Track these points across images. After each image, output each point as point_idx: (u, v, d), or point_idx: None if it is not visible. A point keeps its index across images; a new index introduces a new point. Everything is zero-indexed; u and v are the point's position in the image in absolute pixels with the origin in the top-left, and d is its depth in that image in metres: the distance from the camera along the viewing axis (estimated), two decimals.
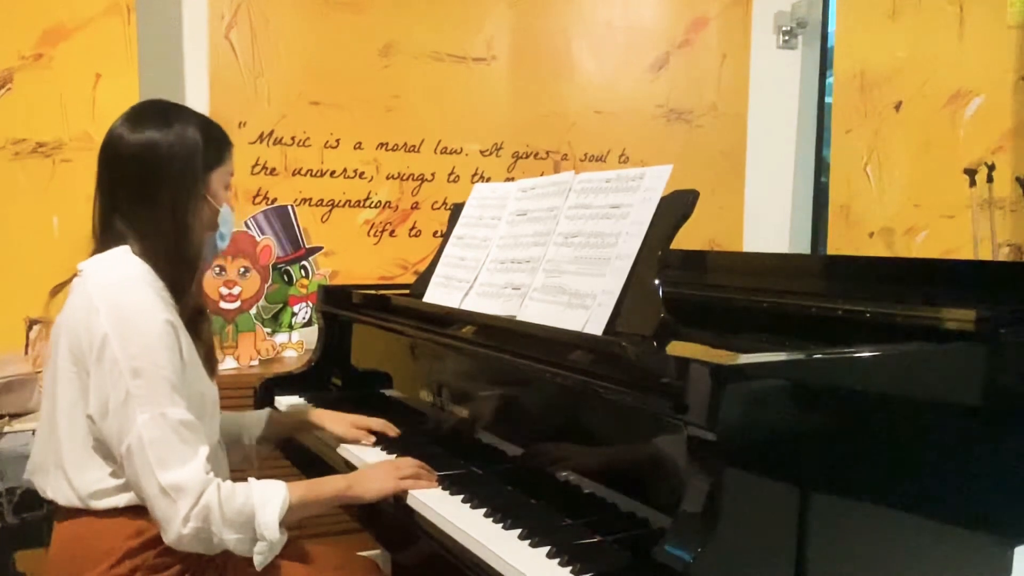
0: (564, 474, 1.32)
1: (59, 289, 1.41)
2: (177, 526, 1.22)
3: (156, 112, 1.39)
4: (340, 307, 2.12)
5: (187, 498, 1.22)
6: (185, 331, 1.33)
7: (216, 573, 1.34)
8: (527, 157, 3.27)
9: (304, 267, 2.91)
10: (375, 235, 3.07)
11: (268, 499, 1.29)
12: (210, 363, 1.43)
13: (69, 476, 1.30)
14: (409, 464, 1.44)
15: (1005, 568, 1.28)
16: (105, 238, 1.36)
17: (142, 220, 1.34)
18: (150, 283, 1.30)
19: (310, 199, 2.97)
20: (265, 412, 1.75)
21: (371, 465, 1.51)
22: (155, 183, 1.33)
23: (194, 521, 1.22)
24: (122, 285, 1.28)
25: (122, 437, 1.23)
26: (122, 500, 1.29)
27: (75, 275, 1.35)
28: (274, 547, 1.29)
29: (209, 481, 1.25)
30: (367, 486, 1.41)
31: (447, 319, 1.66)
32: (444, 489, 1.40)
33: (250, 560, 1.39)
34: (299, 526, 1.34)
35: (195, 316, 1.39)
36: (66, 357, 1.30)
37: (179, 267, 1.35)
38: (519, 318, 1.48)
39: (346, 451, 1.67)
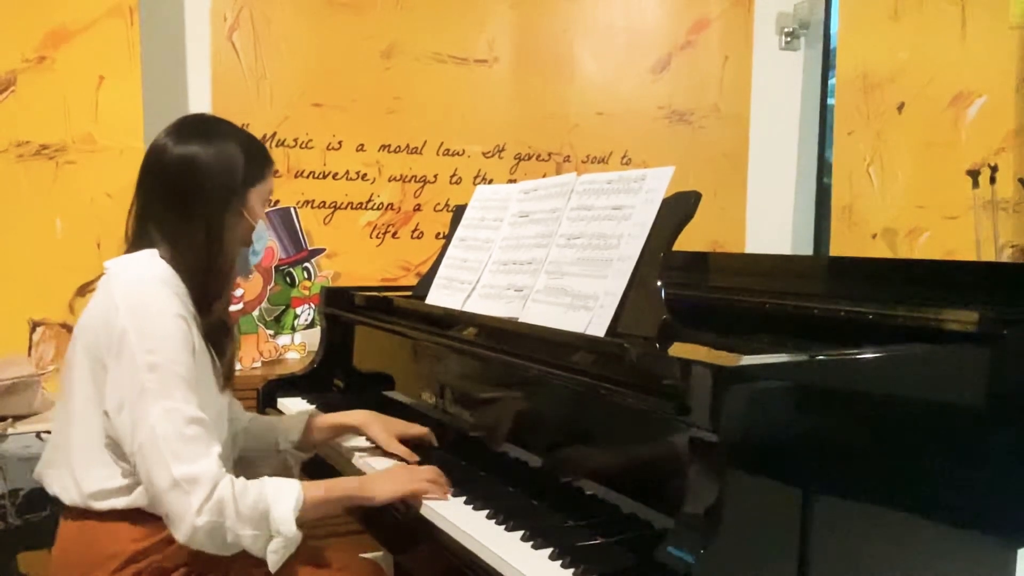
0: (567, 476, 1.32)
1: (87, 288, 1.42)
2: (190, 520, 1.20)
3: (201, 127, 1.41)
4: (342, 309, 2.12)
5: (200, 490, 1.21)
6: (199, 334, 1.34)
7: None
8: (529, 159, 3.27)
9: (307, 269, 2.91)
10: (377, 237, 3.07)
11: (282, 495, 1.29)
12: (227, 377, 1.43)
13: (76, 475, 1.31)
14: (425, 472, 1.42)
15: (1008, 570, 1.28)
16: (137, 241, 1.38)
17: (175, 229, 1.35)
18: (170, 284, 1.31)
19: (312, 201, 2.97)
20: (304, 415, 1.72)
21: (386, 468, 1.50)
22: (192, 196, 1.35)
23: (207, 515, 1.21)
24: (143, 283, 1.30)
25: (135, 431, 1.23)
26: (122, 502, 1.29)
27: (102, 274, 1.36)
28: (289, 544, 1.28)
29: (222, 475, 1.24)
30: (380, 487, 1.40)
31: (449, 321, 1.66)
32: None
33: (254, 562, 1.39)
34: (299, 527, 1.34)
35: (218, 330, 1.40)
36: (83, 354, 1.31)
37: (209, 278, 1.36)
38: (521, 320, 1.48)
39: (361, 461, 1.65)
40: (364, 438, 1.71)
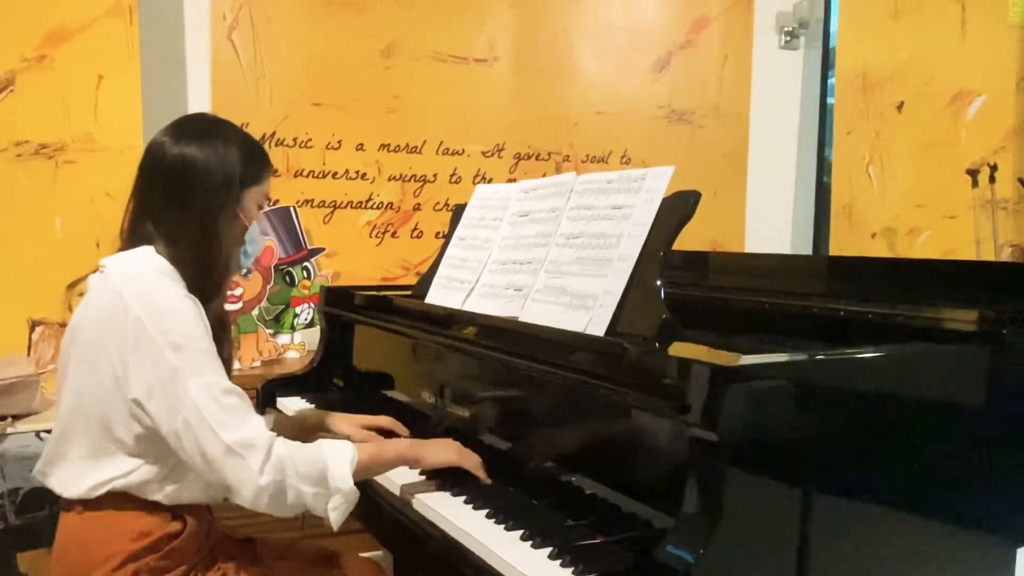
0: (566, 475, 1.32)
1: (76, 284, 1.42)
2: (253, 482, 1.21)
3: (199, 126, 1.42)
4: (342, 308, 2.12)
5: (257, 452, 1.22)
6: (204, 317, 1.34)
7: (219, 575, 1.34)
8: (529, 158, 3.27)
9: (306, 268, 2.91)
10: (377, 236, 3.07)
11: (337, 452, 1.31)
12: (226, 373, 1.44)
13: (75, 468, 1.31)
14: (470, 452, 1.45)
15: (1008, 569, 1.28)
16: (133, 238, 1.38)
17: (172, 227, 1.35)
18: (170, 275, 1.32)
19: (312, 200, 2.97)
20: (270, 417, 1.73)
21: (438, 439, 1.51)
22: (189, 194, 1.35)
23: (269, 474, 1.22)
24: (145, 274, 1.31)
25: (175, 410, 1.23)
26: (120, 484, 1.29)
27: (95, 271, 1.36)
28: (348, 501, 1.29)
29: (274, 436, 1.26)
30: (430, 450, 1.43)
31: (449, 320, 1.66)
32: (446, 490, 1.40)
33: (254, 560, 1.39)
34: (300, 527, 1.34)
35: (216, 328, 1.40)
36: (85, 349, 1.31)
37: (204, 274, 1.36)
38: (521, 319, 1.48)
39: None
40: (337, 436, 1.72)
